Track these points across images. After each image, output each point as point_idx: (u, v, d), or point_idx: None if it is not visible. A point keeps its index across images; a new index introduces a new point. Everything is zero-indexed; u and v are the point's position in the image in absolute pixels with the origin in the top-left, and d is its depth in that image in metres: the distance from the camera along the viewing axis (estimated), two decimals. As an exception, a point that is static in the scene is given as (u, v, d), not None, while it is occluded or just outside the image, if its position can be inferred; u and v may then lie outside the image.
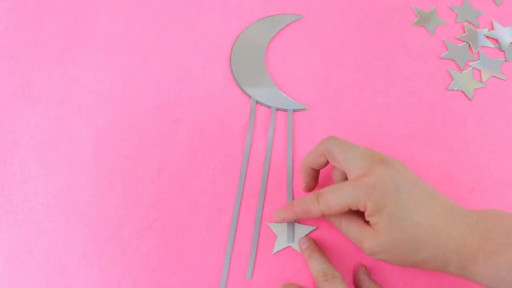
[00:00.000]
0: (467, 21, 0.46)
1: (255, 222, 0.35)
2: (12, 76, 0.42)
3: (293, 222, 0.35)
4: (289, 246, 0.34)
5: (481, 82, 0.42)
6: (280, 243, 0.34)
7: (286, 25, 0.45)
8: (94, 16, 0.45)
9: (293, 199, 0.36)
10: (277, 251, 0.34)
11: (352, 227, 0.30)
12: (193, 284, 0.33)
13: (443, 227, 0.26)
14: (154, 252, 0.34)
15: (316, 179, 0.35)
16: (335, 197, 0.29)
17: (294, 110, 0.40)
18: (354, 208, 0.28)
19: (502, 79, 0.42)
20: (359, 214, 0.30)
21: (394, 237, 0.27)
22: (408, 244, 0.27)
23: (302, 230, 0.35)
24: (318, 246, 0.33)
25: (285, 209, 0.33)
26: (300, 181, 0.35)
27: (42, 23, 0.45)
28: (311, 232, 0.35)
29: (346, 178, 0.32)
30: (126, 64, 0.43)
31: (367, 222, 0.29)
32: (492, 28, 0.45)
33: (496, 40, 0.44)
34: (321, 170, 0.34)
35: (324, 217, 0.33)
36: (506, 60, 0.43)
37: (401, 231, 0.27)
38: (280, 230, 0.35)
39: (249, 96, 0.41)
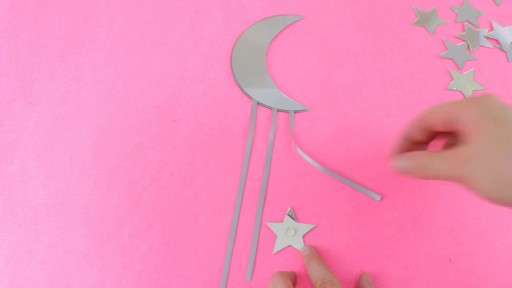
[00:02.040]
0: (467, 21, 0.46)
1: (255, 223, 0.35)
2: (12, 76, 0.42)
3: (293, 221, 0.35)
4: (289, 246, 0.34)
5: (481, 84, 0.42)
6: (280, 243, 0.34)
7: (287, 26, 0.44)
8: (94, 16, 0.45)
9: (294, 199, 0.36)
10: (277, 251, 0.34)
11: (448, 157, 0.25)
12: (193, 284, 0.33)
13: None
14: (154, 252, 0.34)
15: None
16: (443, 104, 0.26)
17: (295, 111, 0.40)
18: (458, 119, 0.25)
19: (501, 79, 0.42)
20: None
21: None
22: None
23: (302, 229, 0.35)
24: (319, 253, 0.33)
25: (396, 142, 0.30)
26: (301, 182, 0.35)
27: (42, 23, 0.45)
28: (311, 230, 0.35)
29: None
30: (126, 64, 0.42)
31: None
32: (492, 29, 0.45)
33: (496, 41, 0.44)
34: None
35: (407, 166, 0.28)
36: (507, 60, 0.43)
37: None
38: (280, 230, 0.35)
39: (250, 97, 0.41)
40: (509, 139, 0.23)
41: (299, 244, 0.34)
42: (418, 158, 0.27)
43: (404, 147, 0.30)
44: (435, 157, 0.26)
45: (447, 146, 0.29)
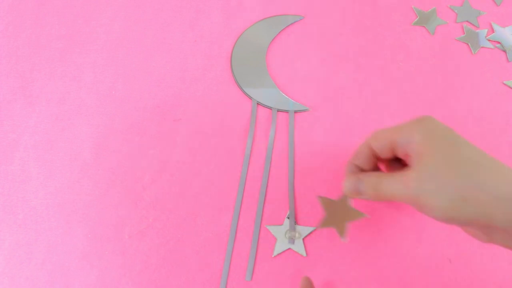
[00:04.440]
0: (467, 21, 0.46)
1: (255, 223, 0.35)
2: (12, 76, 0.42)
3: (293, 224, 0.35)
4: (289, 248, 0.34)
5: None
6: (280, 246, 0.34)
7: (287, 26, 0.44)
8: (94, 16, 0.45)
9: (294, 201, 0.36)
10: (278, 254, 0.34)
11: (395, 179, 0.25)
12: (193, 284, 0.33)
13: (504, 168, 0.24)
14: (154, 252, 0.34)
15: None
16: (385, 130, 0.27)
17: (295, 111, 0.40)
18: (405, 140, 0.25)
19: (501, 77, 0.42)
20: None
21: (451, 172, 0.23)
22: (466, 179, 0.23)
23: (302, 231, 0.35)
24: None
25: (346, 172, 0.30)
26: (301, 182, 0.35)
27: (42, 23, 0.45)
28: (311, 232, 0.35)
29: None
30: (126, 64, 0.42)
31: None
32: (492, 31, 0.45)
33: (496, 41, 0.44)
34: None
35: (358, 187, 0.28)
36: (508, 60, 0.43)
37: (458, 166, 0.23)
38: (280, 233, 0.35)
39: (250, 97, 0.41)
40: (458, 159, 0.24)
41: (299, 247, 0.34)
42: (371, 178, 0.27)
43: (352, 177, 0.29)
44: (388, 178, 0.26)
45: (393, 171, 0.29)
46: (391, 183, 0.26)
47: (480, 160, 0.24)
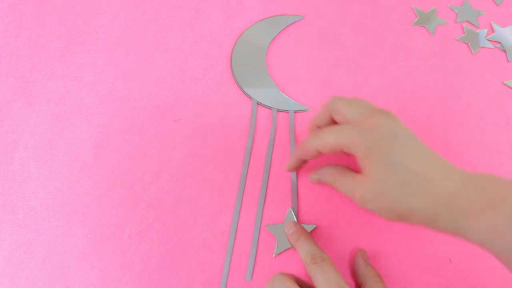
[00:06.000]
0: (467, 21, 0.46)
1: (255, 223, 0.35)
2: (12, 76, 0.42)
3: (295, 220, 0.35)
4: (289, 248, 0.34)
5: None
6: (281, 246, 0.34)
7: (287, 26, 0.44)
8: (94, 16, 0.45)
9: (297, 200, 0.36)
10: (278, 254, 0.34)
11: (346, 180, 0.29)
12: (193, 284, 0.33)
13: (437, 177, 0.25)
14: (154, 252, 0.34)
15: None
16: (331, 134, 0.29)
17: (295, 111, 0.40)
18: (347, 149, 0.28)
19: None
20: (352, 169, 0.30)
21: (385, 182, 0.26)
22: (399, 190, 0.26)
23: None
24: (305, 230, 0.33)
25: (290, 157, 0.34)
26: (301, 182, 0.35)
27: (42, 23, 0.45)
28: (311, 231, 0.35)
29: None
30: (126, 64, 0.42)
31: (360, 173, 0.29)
32: (492, 31, 0.45)
33: (496, 41, 0.44)
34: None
35: (321, 180, 0.33)
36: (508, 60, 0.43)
37: (391, 176, 0.26)
38: (280, 233, 0.35)
39: (250, 97, 0.41)
40: (398, 171, 0.26)
41: None
42: (328, 178, 0.32)
43: (296, 163, 0.34)
44: (341, 179, 0.30)
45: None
46: (343, 184, 0.30)
47: (415, 169, 0.26)
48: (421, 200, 0.25)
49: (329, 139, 0.29)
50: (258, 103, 0.40)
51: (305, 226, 0.35)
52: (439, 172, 0.26)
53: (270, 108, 0.40)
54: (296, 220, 0.35)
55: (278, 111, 0.40)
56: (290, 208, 0.35)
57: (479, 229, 0.24)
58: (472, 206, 0.24)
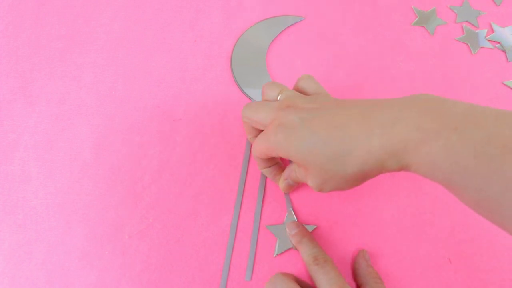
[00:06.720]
0: (467, 21, 0.46)
1: (255, 223, 0.35)
2: (12, 76, 0.42)
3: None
4: (290, 248, 0.34)
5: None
6: (281, 246, 0.34)
7: (287, 27, 0.44)
8: (94, 16, 0.45)
9: (291, 200, 0.36)
10: (279, 254, 0.34)
11: (301, 172, 0.30)
12: (193, 284, 0.33)
13: (361, 129, 0.25)
14: (154, 252, 0.34)
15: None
16: (255, 146, 0.31)
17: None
18: (271, 155, 0.30)
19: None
20: None
21: (319, 164, 0.26)
22: (335, 162, 0.26)
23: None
24: (308, 231, 0.33)
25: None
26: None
27: (42, 23, 0.45)
28: (311, 231, 0.35)
29: None
30: (126, 64, 0.42)
31: None
32: (492, 31, 0.45)
33: (496, 41, 0.44)
34: None
35: (289, 182, 0.34)
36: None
37: (320, 156, 0.26)
38: (281, 233, 0.35)
39: (250, 98, 0.41)
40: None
41: None
42: (291, 174, 0.32)
43: (262, 163, 0.34)
44: (297, 170, 0.31)
45: None
46: (301, 175, 0.30)
47: (335, 136, 0.26)
48: (358, 158, 0.25)
49: (255, 152, 0.32)
50: (258, 103, 0.40)
51: (305, 226, 0.35)
52: (361, 122, 0.25)
53: (270, 108, 0.40)
54: (296, 220, 0.35)
55: (278, 111, 0.40)
56: (291, 208, 0.35)
57: (420, 164, 0.23)
58: (407, 144, 0.23)
